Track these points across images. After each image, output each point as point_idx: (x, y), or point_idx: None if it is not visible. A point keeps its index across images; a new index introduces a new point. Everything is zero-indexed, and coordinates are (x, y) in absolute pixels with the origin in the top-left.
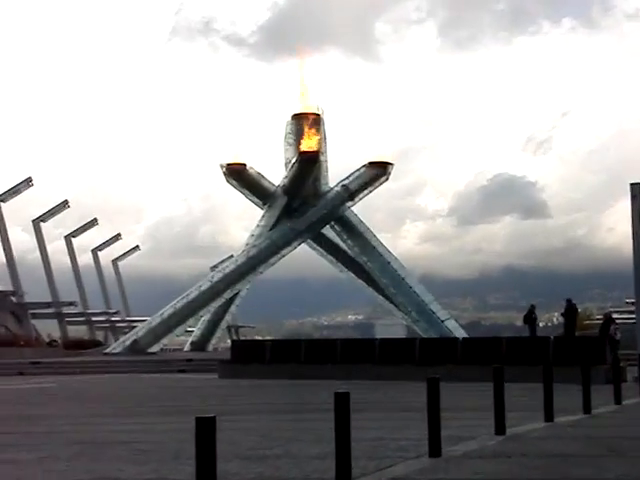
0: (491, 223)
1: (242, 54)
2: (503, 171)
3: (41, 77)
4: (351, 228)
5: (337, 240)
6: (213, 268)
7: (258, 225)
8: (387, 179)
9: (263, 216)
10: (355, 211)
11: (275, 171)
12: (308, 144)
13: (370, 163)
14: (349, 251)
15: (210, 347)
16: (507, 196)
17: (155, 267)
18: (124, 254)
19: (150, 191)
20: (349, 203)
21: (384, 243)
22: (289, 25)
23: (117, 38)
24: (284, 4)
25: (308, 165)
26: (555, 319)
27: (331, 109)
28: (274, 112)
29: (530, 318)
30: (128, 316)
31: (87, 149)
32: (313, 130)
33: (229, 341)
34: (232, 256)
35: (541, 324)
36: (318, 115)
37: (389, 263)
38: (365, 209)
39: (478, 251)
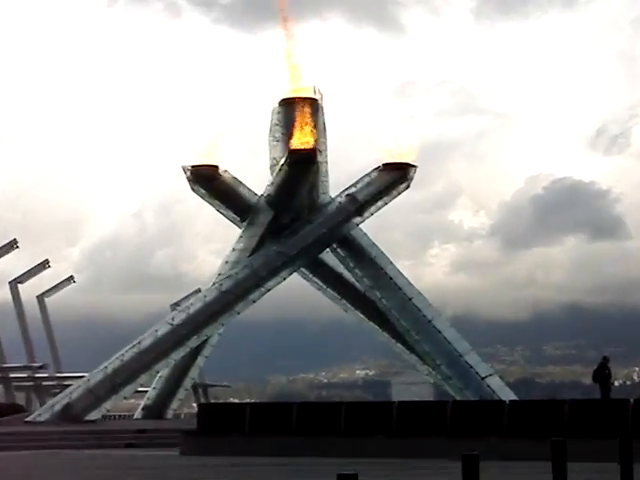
0: (549, 246)
1: (211, 19)
2: (565, 175)
3: None
4: (360, 253)
5: (341, 269)
6: (174, 306)
7: (234, 249)
8: (408, 186)
9: (241, 236)
10: (365, 230)
11: (257, 176)
12: (301, 139)
13: (385, 165)
14: (357, 283)
15: (169, 413)
16: (570, 209)
17: (95, 305)
18: (53, 287)
19: (89, 202)
20: (357, 219)
21: (404, 273)
22: None
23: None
24: None
25: (301, 168)
26: (636, 375)
27: (333, 93)
28: (256, 96)
29: (602, 374)
30: (58, 372)
31: (2, 144)
32: (308, 121)
33: (195, 405)
34: (199, 290)
35: (617, 382)
36: (315, 100)
37: (411, 299)
38: (379, 227)
39: (531, 284)
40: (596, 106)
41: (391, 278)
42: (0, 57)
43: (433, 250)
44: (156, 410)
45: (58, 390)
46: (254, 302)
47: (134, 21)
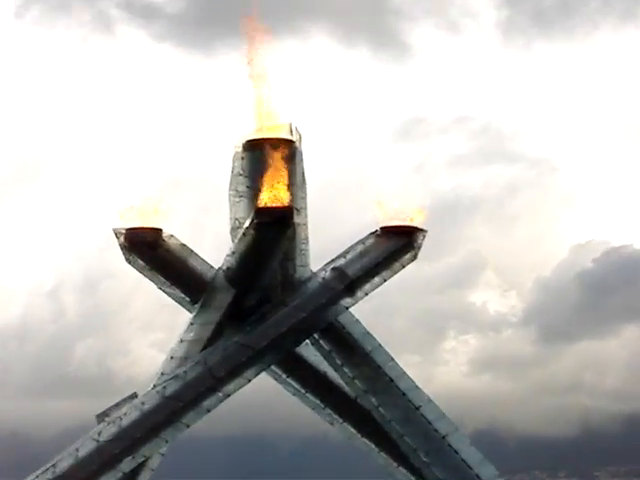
0: (602, 338)
1: (150, 34)
2: (623, 243)
3: None
4: (350, 346)
5: (324, 367)
6: (101, 417)
7: (182, 340)
8: (414, 257)
9: (192, 323)
10: (357, 315)
11: (213, 243)
12: (273, 195)
13: (384, 229)
14: (346, 387)
15: None
16: (629, 289)
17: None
18: None
19: None
20: (347, 301)
21: (409, 373)
22: None
23: None
24: None
25: (273, 232)
26: None
27: (316, 133)
28: (212, 137)
29: None
30: None
31: None
32: (282, 170)
33: None
34: (135, 395)
35: None
36: (292, 143)
37: (418, 409)
38: (376, 312)
39: (578, 389)
40: None
41: (392, 380)
42: None
43: (448, 342)
44: None
45: None
46: (209, 411)
47: (49, 36)
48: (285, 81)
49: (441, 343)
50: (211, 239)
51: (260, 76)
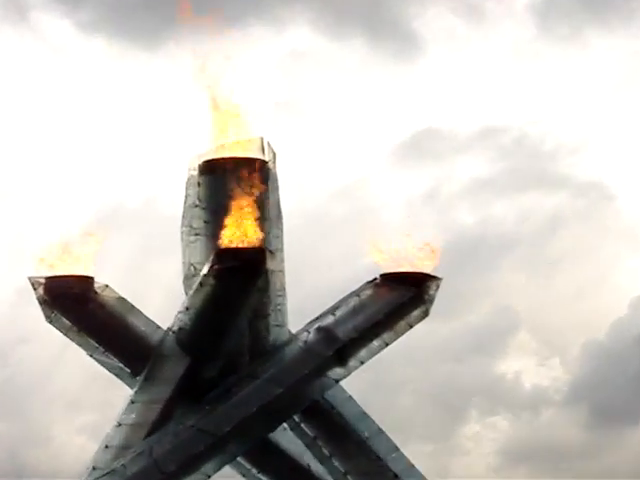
0: None
1: (75, 23)
2: None
3: None
4: (341, 431)
5: (308, 459)
6: None
7: (120, 423)
8: (426, 314)
9: (133, 401)
10: (350, 391)
11: (161, 296)
12: (240, 232)
13: (384, 277)
14: None
15: None
16: None
17: None
18: None
19: None
20: (337, 372)
21: (419, 467)
22: None
23: None
24: None
25: (239, 281)
26: None
27: (294, 149)
28: (160, 152)
29: None
30: None
31: None
32: (250, 199)
33: None
34: None
35: None
36: (264, 163)
37: None
38: (376, 385)
39: None
40: None
41: (396, 476)
42: None
43: (470, 427)
44: None
45: None
46: None
47: None
48: (254, 84)
49: (461, 427)
50: (158, 291)
51: (216, 82)
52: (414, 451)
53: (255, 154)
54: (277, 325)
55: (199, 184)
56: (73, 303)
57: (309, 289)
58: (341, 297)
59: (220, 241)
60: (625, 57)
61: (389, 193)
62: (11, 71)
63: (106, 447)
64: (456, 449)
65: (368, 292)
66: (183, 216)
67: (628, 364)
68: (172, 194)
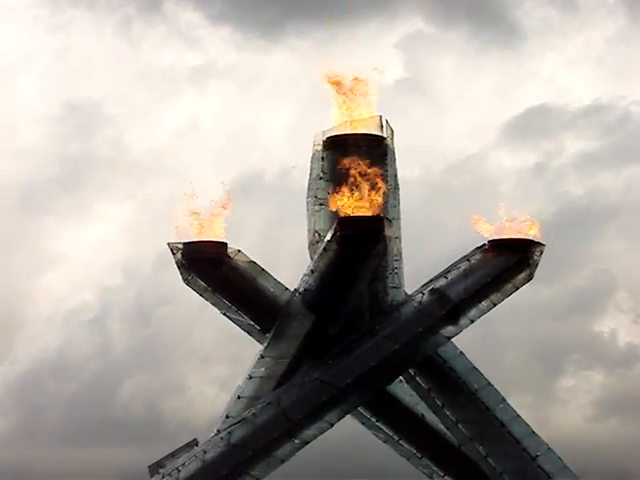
0: None
1: (208, 14)
2: None
3: None
4: (453, 384)
5: (422, 409)
6: (154, 469)
7: (251, 376)
8: (530, 277)
9: (262, 356)
10: (461, 347)
11: (288, 260)
12: (358, 202)
13: (493, 243)
14: (448, 432)
15: None
16: None
17: (29, 464)
18: None
19: (20, 299)
20: (448, 329)
21: (523, 416)
22: None
23: None
24: None
25: (360, 246)
26: None
27: (411, 126)
28: (285, 135)
29: None
30: None
31: None
32: (371, 173)
33: None
34: (196, 443)
35: None
36: (382, 139)
37: (535, 459)
38: (483, 342)
39: None
40: None
41: (503, 425)
42: None
43: (568, 380)
44: None
45: None
46: (283, 462)
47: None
48: (372, 69)
49: (559, 380)
50: (286, 255)
51: (338, 65)
52: (517, 402)
53: (374, 131)
54: (394, 287)
55: (323, 158)
56: (208, 266)
57: (424, 254)
58: (453, 261)
59: (341, 210)
60: None
61: (502, 166)
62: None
63: (238, 398)
64: (555, 400)
65: (477, 257)
66: (309, 188)
67: None
68: (300, 168)
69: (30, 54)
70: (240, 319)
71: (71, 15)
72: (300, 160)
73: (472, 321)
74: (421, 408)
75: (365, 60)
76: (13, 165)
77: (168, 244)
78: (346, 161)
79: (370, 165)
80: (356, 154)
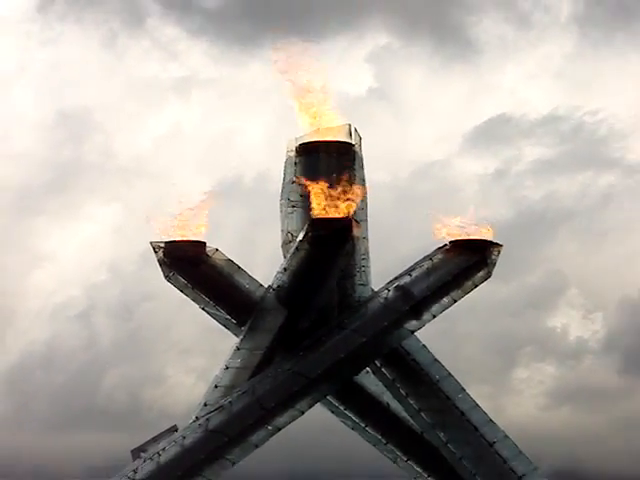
0: None
1: (185, 28)
2: None
3: None
4: (416, 374)
5: (387, 398)
6: (136, 453)
7: (228, 367)
8: (488, 276)
9: (239, 348)
10: (424, 340)
11: (263, 258)
12: (328, 204)
13: (454, 244)
14: (411, 420)
15: None
16: None
17: (17, 451)
18: None
19: (11, 294)
20: (412, 324)
21: (482, 405)
22: None
23: None
24: None
25: (330, 246)
26: None
27: (377, 135)
28: (260, 141)
29: None
30: None
31: None
32: (340, 177)
33: None
34: (175, 429)
35: None
36: (349, 146)
37: (492, 445)
38: (444, 336)
39: None
40: None
41: (463, 413)
42: None
43: (522, 371)
44: None
45: None
46: (257, 447)
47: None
48: (342, 79)
49: (514, 372)
50: (260, 254)
51: (309, 94)
52: (475, 392)
53: (343, 138)
54: (361, 284)
55: (296, 163)
56: (188, 264)
57: (389, 254)
58: (416, 260)
59: (313, 211)
60: None
61: (465, 172)
62: (130, 66)
63: (215, 387)
64: (510, 390)
65: (439, 256)
66: (282, 191)
67: None
68: (274, 173)
69: (23, 66)
70: (218, 313)
71: (60, 30)
72: (275, 165)
73: (434, 316)
74: (386, 397)
75: (338, 72)
76: (8, 169)
77: (150, 243)
78: (317, 166)
79: (341, 170)
80: (326, 159)
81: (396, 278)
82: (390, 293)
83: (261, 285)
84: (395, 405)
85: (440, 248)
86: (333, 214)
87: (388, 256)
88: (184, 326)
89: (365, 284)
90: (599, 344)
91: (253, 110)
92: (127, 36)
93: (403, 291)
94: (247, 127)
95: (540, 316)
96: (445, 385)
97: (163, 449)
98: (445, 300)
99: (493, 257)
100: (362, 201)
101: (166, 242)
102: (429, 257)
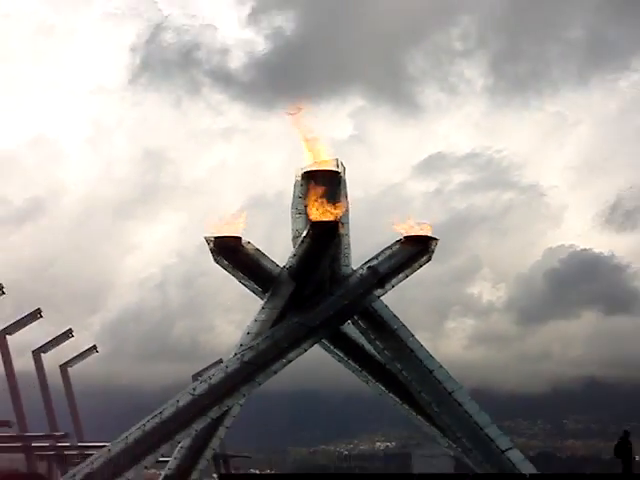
0: (566, 319)
1: (230, 95)
2: (583, 248)
3: None
4: (381, 325)
5: (362, 341)
6: (196, 377)
7: (256, 320)
8: (429, 259)
9: (263, 308)
10: (386, 302)
11: (280, 248)
12: (323, 212)
13: (406, 238)
14: (378, 356)
15: None
16: (588, 283)
17: (117, 375)
18: (76, 357)
19: (112, 274)
20: (378, 291)
21: (424, 345)
22: (295, 59)
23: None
24: (290, 31)
25: (323, 240)
26: None
27: (356, 167)
28: (278, 170)
29: (624, 448)
30: (80, 441)
31: (24, 217)
32: (330, 193)
33: (215, 476)
34: (221, 361)
35: (637, 457)
36: (337, 173)
37: (431, 372)
38: (399, 300)
39: (549, 357)
40: (614, 179)
41: (412, 351)
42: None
43: (451, 323)
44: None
45: (79, 459)
46: (275, 373)
47: (157, 92)
48: (332, 129)
49: (446, 323)
50: (278, 245)
51: (310, 138)
52: (420, 337)
53: (333, 168)
54: (345, 265)
55: (302, 185)
56: (229, 252)
57: (363, 245)
58: (381, 249)
59: (312, 217)
60: (540, 112)
61: (414, 191)
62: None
63: (247, 333)
64: (443, 336)
65: (397, 247)
66: (292, 203)
67: (538, 288)
68: (288, 192)
69: (120, 120)
70: (249, 285)
71: (144, 95)
72: (288, 186)
73: (393, 286)
74: (362, 341)
75: (329, 124)
76: (110, 189)
77: (205, 238)
78: (316, 187)
79: (331, 188)
80: (321, 182)
81: (368, 261)
82: (364, 271)
83: (278, 265)
84: (367, 346)
85: (398, 241)
86: (326, 218)
87: (363, 247)
88: (227, 293)
89: (347, 265)
90: (502, 305)
91: (273, 149)
92: (189, 100)
93: (373, 270)
94: (269, 161)
95: (463, 286)
96: (400, 332)
97: (213, 374)
98: (400, 275)
99: (432, 247)
100: (345, 210)
101: (215, 237)
102: (390, 247)
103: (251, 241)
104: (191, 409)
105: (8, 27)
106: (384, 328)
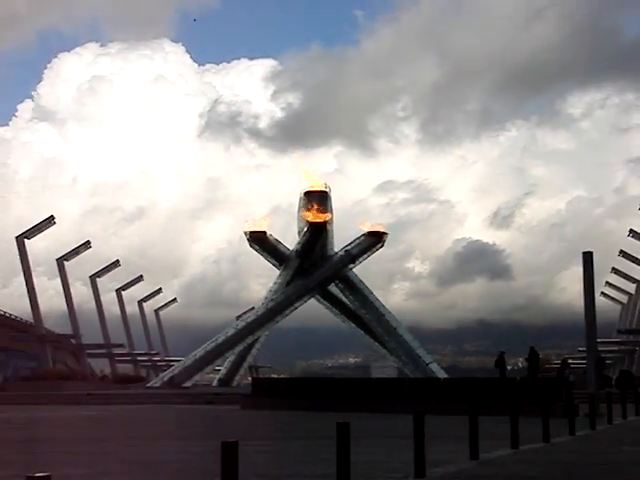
0: (466, 283)
1: (260, 144)
2: (476, 239)
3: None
4: (352, 286)
5: (340, 296)
6: (238, 317)
7: (275, 282)
8: (382, 246)
9: (280, 275)
10: (356, 272)
11: (290, 238)
12: (316, 216)
13: (369, 232)
14: (350, 305)
15: (234, 383)
16: (479, 261)
17: (189, 316)
18: (164, 305)
19: (186, 254)
20: (351, 265)
21: (379, 299)
22: (300, 121)
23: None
24: (297, 104)
25: (317, 233)
26: (520, 364)
27: (337, 188)
28: (290, 190)
29: (500, 363)
30: (167, 356)
31: (134, 219)
32: (321, 204)
33: (250, 378)
34: (253, 308)
35: (509, 367)
36: (325, 192)
37: (383, 315)
38: (363, 270)
39: (455, 306)
40: (495, 197)
41: (371, 302)
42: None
43: (395, 285)
44: (226, 381)
45: (166, 367)
46: (287, 315)
47: (214, 143)
48: (323, 165)
49: (392, 285)
50: (289, 237)
51: (309, 170)
52: (376, 294)
53: (323, 189)
54: (330, 249)
55: (303, 199)
56: (259, 240)
57: (342, 236)
58: (353, 239)
59: (309, 219)
60: (455, 157)
61: (371, 205)
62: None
63: (270, 291)
64: (390, 293)
65: (362, 238)
66: (298, 210)
67: (449, 264)
68: (292, 206)
69: (193, 158)
70: (272, 261)
71: (207, 144)
72: (295, 200)
73: (361, 262)
74: (341, 296)
75: (321, 163)
76: (186, 201)
77: (244, 232)
78: (312, 201)
79: (321, 201)
80: (315, 198)
81: (344, 247)
82: (342, 253)
83: (289, 249)
84: (344, 299)
85: (362, 235)
86: (318, 220)
87: (341, 238)
88: (257, 267)
89: (332, 249)
90: (427, 274)
91: (286, 180)
92: (234, 147)
93: (347, 252)
94: (283, 187)
95: (403, 262)
96: (365, 291)
97: (248, 316)
98: (365, 256)
99: (384, 239)
100: (331, 214)
101: (250, 231)
102: (357, 239)
103: (272, 234)
104: (235, 337)
105: (127, 77)
106: (354, 288)
